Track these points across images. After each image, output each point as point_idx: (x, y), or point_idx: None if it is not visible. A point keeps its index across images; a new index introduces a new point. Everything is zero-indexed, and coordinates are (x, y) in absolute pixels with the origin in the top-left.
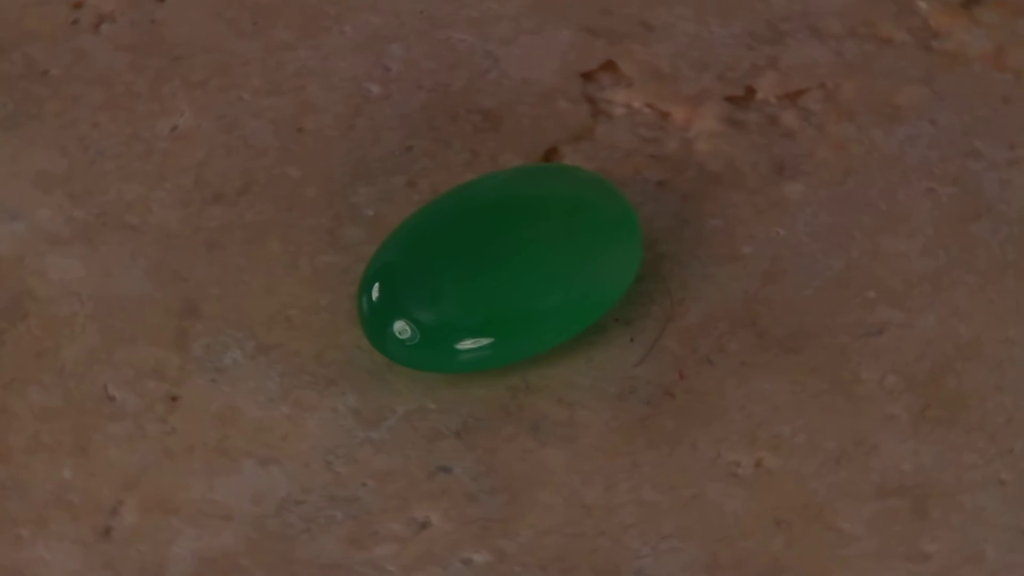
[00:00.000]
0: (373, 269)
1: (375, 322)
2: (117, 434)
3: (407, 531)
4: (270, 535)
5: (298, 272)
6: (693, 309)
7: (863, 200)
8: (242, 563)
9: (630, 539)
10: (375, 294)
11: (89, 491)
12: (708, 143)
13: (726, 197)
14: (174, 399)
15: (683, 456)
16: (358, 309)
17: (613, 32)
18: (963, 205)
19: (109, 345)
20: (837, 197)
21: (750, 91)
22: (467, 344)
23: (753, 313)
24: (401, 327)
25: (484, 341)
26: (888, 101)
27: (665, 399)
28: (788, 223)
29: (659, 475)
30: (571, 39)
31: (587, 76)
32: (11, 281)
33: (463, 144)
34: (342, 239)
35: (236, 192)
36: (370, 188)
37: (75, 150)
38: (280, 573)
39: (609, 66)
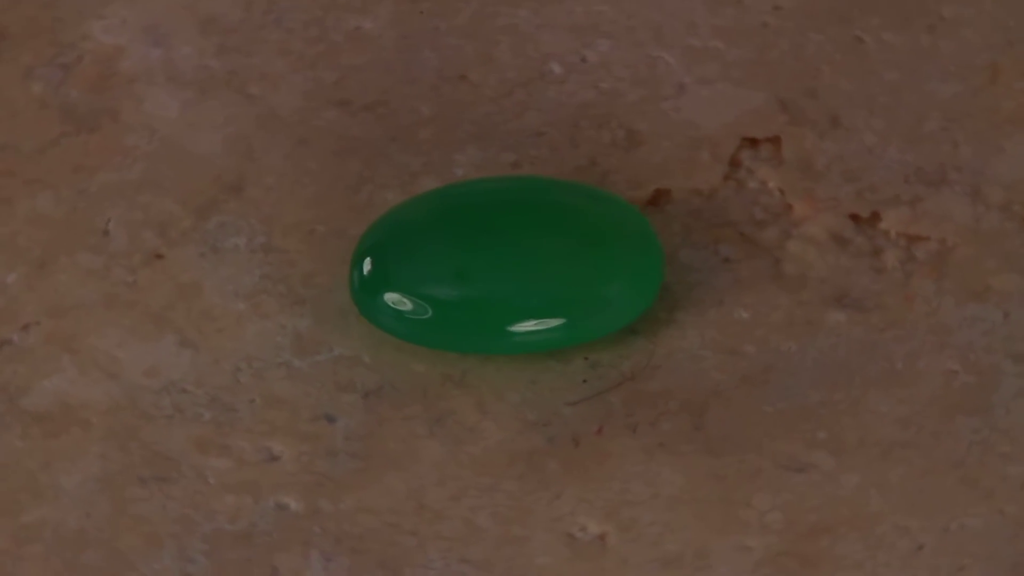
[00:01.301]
0: (379, 225)
1: (357, 257)
2: (83, 264)
3: (252, 457)
4: (134, 407)
5: (354, 198)
6: (659, 378)
7: (885, 352)
8: (91, 419)
9: (433, 549)
10: (370, 239)
11: (16, 304)
12: (800, 246)
13: (772, 297)
14: (158, 256)
15: (539, 500)
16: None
17: (801, 114)
18: (969, 397)
19: (142, 185)
20: (867, 340)
21: (875, 217)
22: (423, 313)
23: (707, 406)
24: (368, 266)
25: (450, 320)
26: (984, 279)
27: (567, 444)
28: (804, 343)
29: (506, 507)
30: (760, 104)
31: (748, 141)
32: (109, 97)
33: (589, 149)
34: (414, 187)
35: (362, 106)
36: (477, 154)
37: (257, 9)
38: (114, 442)
39: (774, 140)
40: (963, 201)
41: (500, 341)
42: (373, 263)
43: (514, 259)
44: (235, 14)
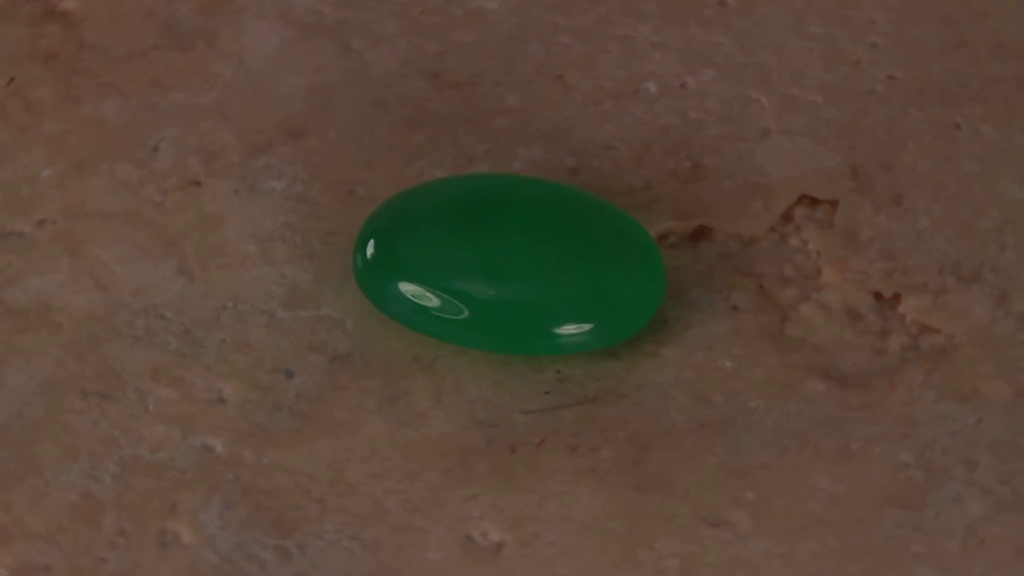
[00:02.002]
0: (389, 205)
1: (362, 236)
2: (119, 175)
3: (200, 395)
4: (108, 322)
5: (405, 169)
6: (619, 407)
7: (847, 431)
8: (63, 324)
9: (331, 521)
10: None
11: (40, 198)
12: (812, 311)
13: (762, 354)
14: (195, 183)
15: (454, 497)
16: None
17: (868, 184)
18: (908, 492)
19: (208, 112)
20: (834, 415)
21: (896, 299)
22: (418, 299)
23: (653, 444)
24: (371, 248)
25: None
26: (974, 381)
27: (504, 449)
28: (773, 404)
29: (419, 496)
30: (833, 165)
31: (808, 199)
32: (214, 20)
33: (650, 173)
34: (466, 167)
35: (451, 82)
36: (540, 153)
37: None
38: (74, 350)
39: (832, 203)
40: (986, 302)
41: (475, 337)
42: (377, 246)
43: (517, 261)
44: None
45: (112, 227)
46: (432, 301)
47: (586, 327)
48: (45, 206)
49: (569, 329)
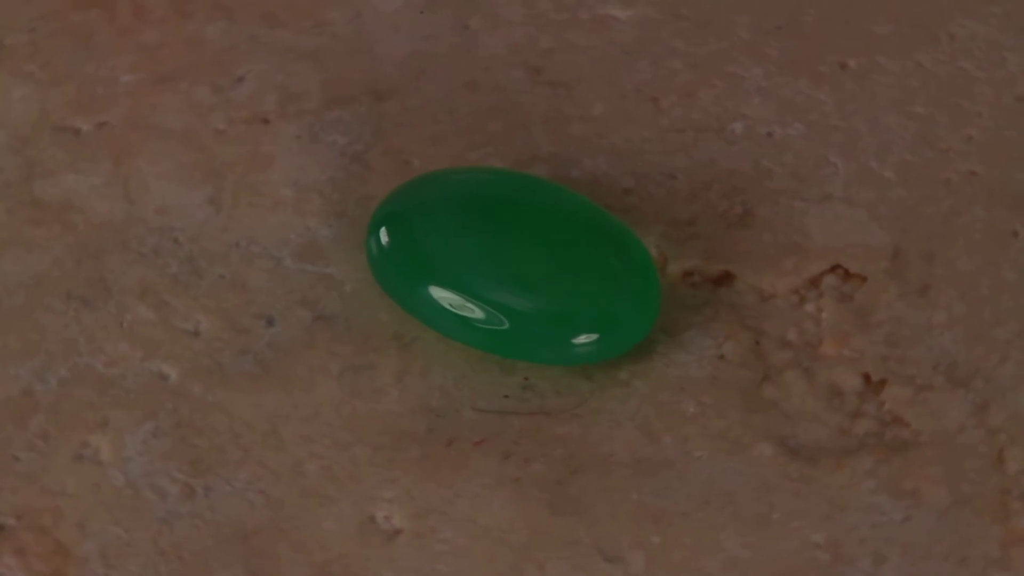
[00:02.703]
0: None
1: (374, 221)
2: (194, 96)
3: (177, 323)
4: (120, 233)
5: (466, 154)
6: (569, 425)
7: (774, 500)
8: (77, 225)
9: (246, 471)
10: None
11: (107, 100)
12: (795, 378)
13: (727, 408)
14: (264, 121)
15: (373, 475)
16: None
17: (904, 268)
18: (805, 571)
19: (305, 56)
20: (769, 481)
21: (881, 384)
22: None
23: (585, 469)
24: (384, 234)
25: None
26: (918, 481)
27: (441, 441)
28: (716, 458)
29: (339, 467)
30: (878, 244)
31: (841, 269)
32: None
33: (698, 209)
34: (524, 166)
35: (548, 80)
36: (602, 166)
37: None
38: (76, 252)
39: (861, 279)
40: (964, 408)
41: (465, 336)
42: (391, 235)
43: (520, 263)
44: None
45: (165, 144)
46: (434, 292)
47: (571, 341)
48: (111, 110)
49: (551, 341)
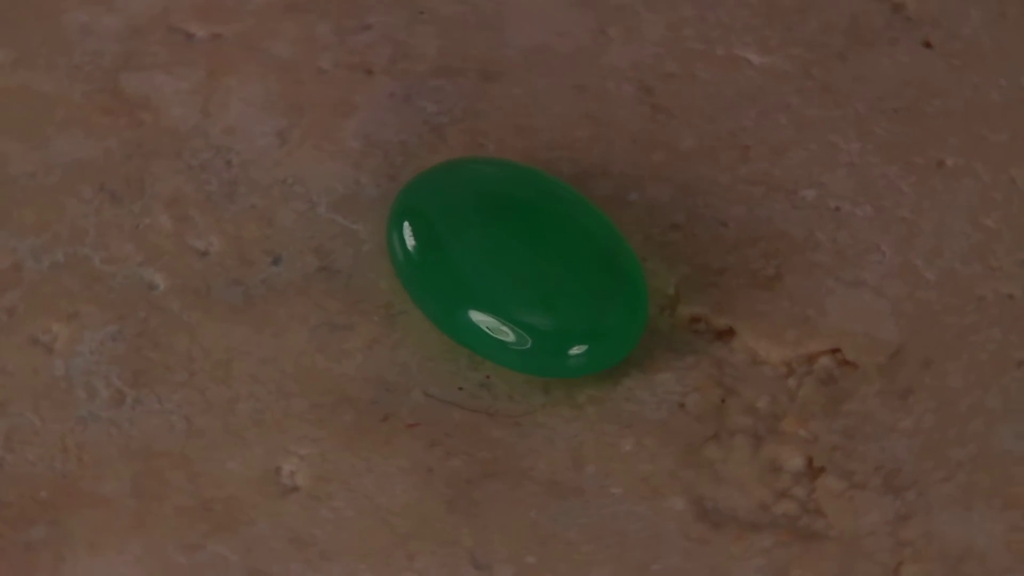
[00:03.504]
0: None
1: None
2: (316, 35)
3: (189, 238)
4: (178, 142)
5: (539, 154)
6: (506, 431)
7: (660, 551)
8: (143, 120)
9: (182, 395)
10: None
11: (231, 14)
12: (742, 446)
13: (663, 455)
14: (367, 71)
15: (297, 428)
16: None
17: (895, 368)
18: None
19: (437, 22)
20: (666, 533)
21: (820, 472)
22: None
23: (501, 476)
24: (408, 229)
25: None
26: (803, 571)
27: (378, 414)
28: (629, 500)
29: (271, 414)
30: (887, 338)
31: (838, 353)
32: None
33: (730, 261)
34: (582, 181)
35: (653, 103)
36: (659, 196)
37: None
38: (125, 150)
39: (853, 367)
40: (884, 515)
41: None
42: (408, 226)
43: (526, 267)
44: None
45: (265, 69)
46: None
47: (558, 353)
48: (231, 23)
49: (541, 352)
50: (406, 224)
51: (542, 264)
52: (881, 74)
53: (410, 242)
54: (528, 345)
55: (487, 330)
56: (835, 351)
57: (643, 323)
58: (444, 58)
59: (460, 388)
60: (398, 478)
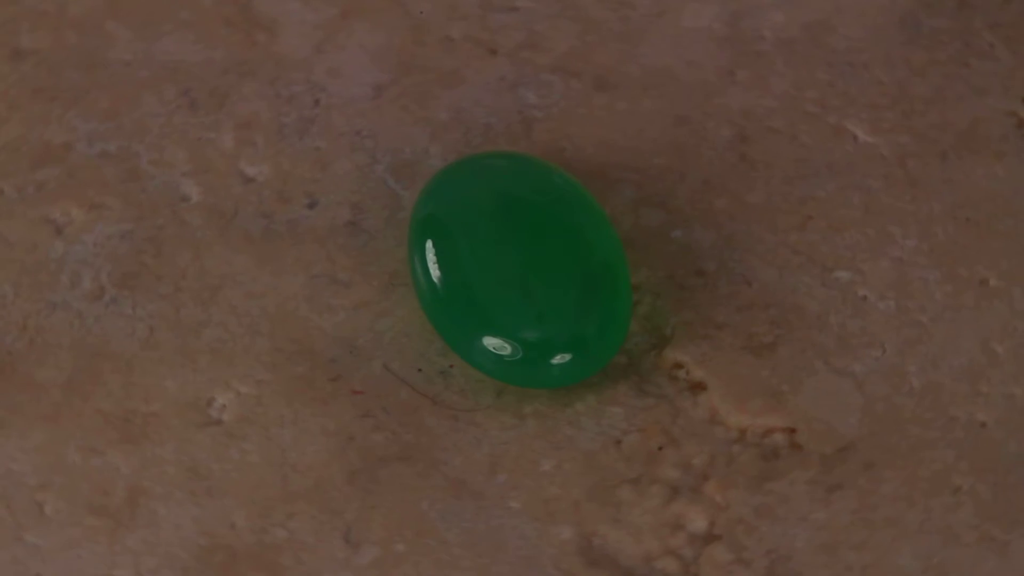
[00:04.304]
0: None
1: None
2: (382, 19)
3: (244, 165)
4: (275, 71)
5: (610, 171)
6: (441, 420)
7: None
8: (256, 43)
9: (158, 305)
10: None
11: None
12: (655, 495)
13: (573, 484)
14: (491, 51)
15: (246, 366)
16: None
17: (836, 463)
18: None
19: (578, 22)
20: (543, 559)
21: (714, 540)
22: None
23: (413, 460)
24: (429, 245)
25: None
26: None
27: (329, 372)
28: (523, 513)
29: (229, 348)
30: (846, 430)
31: (793, 434)
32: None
33: (735, 320)
34: (643, 214)
35: (746, 153)
36: (698, 239)
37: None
38: (224, 66)
39: (796, 449)
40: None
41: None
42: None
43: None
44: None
45: (397, 24)
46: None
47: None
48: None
49: (528, 361)
50: (428, 242)
51: (531, 274)
52: (972, 182)
53: (430, 258)
54: (519, 356)
55: (493, 350)
56: (792, 431)
57: (619, 341)
58: (569, 57)
59: (419, 370)
60: (318, 438)
